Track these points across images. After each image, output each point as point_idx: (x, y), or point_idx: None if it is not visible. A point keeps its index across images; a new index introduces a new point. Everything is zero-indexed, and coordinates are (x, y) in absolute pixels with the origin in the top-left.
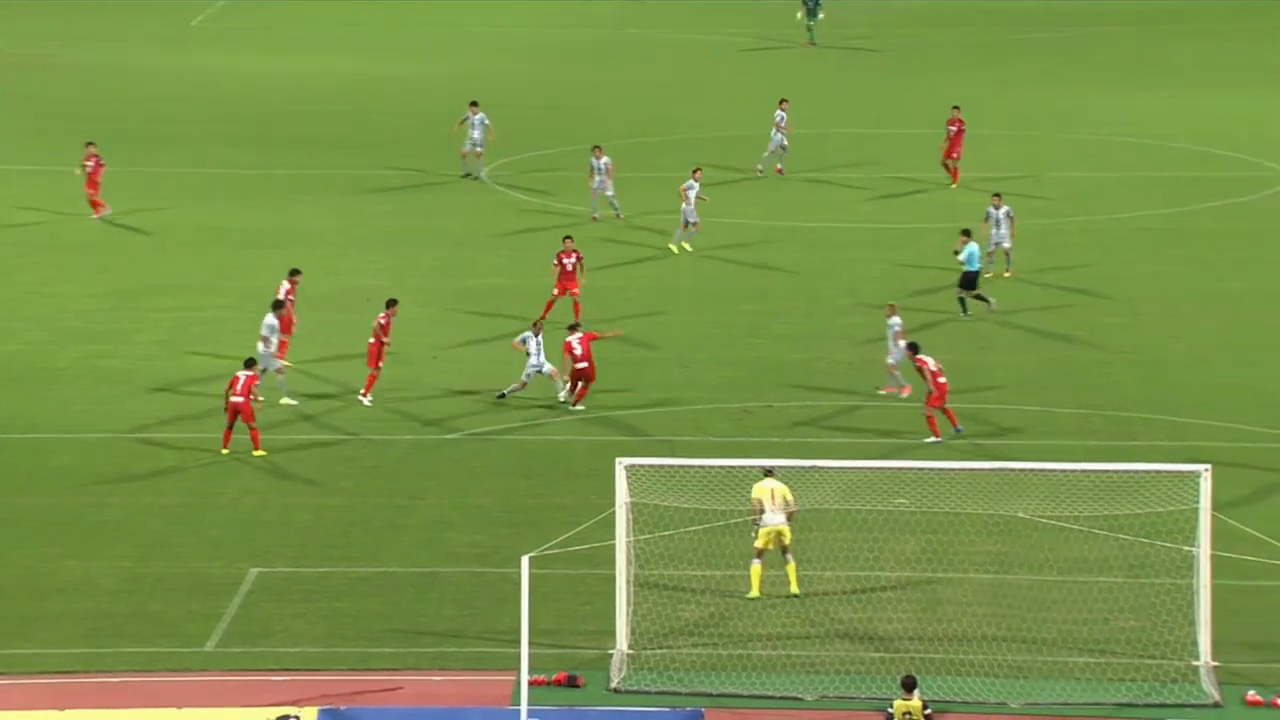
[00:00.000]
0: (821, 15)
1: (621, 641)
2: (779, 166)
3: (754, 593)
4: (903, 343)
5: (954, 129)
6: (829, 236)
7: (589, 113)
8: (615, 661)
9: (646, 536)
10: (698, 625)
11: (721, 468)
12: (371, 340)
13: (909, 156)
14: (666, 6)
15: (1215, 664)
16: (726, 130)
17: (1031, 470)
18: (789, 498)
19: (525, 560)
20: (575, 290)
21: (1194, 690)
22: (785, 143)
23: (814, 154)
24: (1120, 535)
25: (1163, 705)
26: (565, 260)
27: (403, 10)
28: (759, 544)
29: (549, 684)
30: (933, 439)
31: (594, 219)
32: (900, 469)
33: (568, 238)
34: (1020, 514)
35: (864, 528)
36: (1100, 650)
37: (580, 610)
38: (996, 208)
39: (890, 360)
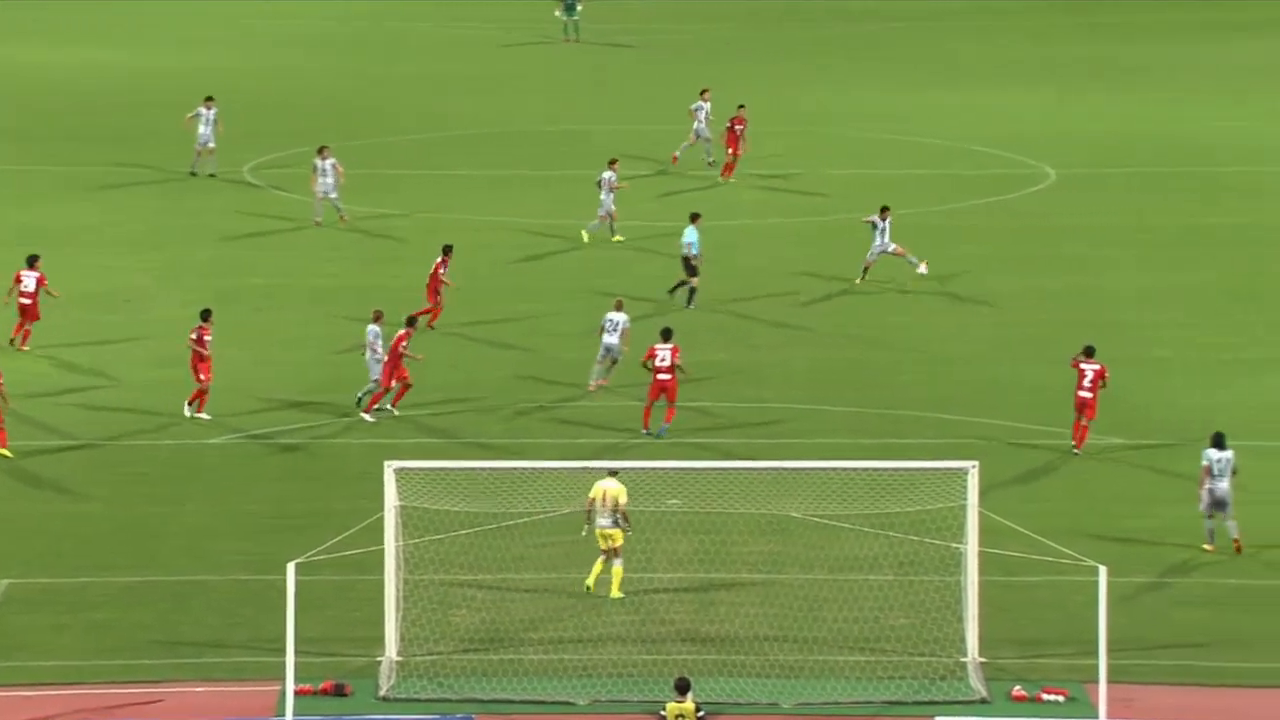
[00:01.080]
0: (580, 8)
1: (391, 648)
2: (676, 154)
3: (589, 581)
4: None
5: (740, 127)
6: (605, 235)
7: (357, 108)
8: (384, 669)
9: (416, 541)
10: (469, 631)
11: (492, 470)
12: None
13: (672, 152)
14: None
15: (982, 660)
16: (501, 125)
17: (804, 469)
18: (621, 501)
19: (292, 567)
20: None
21: (962, 687)
22: (709, 135)
23: (579, 151)
24: (891, 533)
25: (931, 702)
26: (441, 271)
27: (173, 4)
28: (599, 544)
29: (315, 693)
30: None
31: (316, 223)
32: (674, 469)
33: (448, 247)
34: (793, 513)
35: (636, 529)
36: (871, 648)
37: (349, 617)
38: (883, 217)
39: (612, 352)
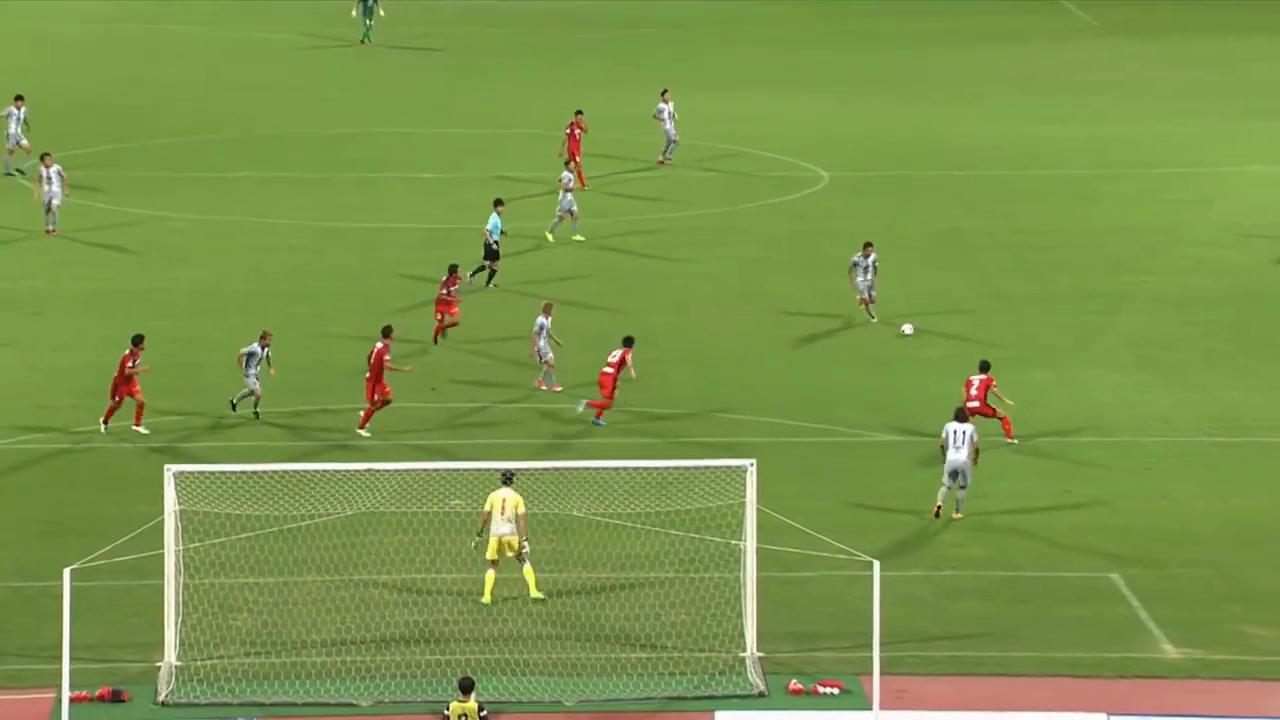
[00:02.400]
0: (381, 14)
1: (170, 653)
2: (663, 158)
3: (485, 598)
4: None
5: (579, 132)
6: (383, 237)
7: (128, 110)
8: (163, 674)
9: (196, 545)
10: (250, 634)
11: (273, 473)
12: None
13: (463, 156)
14: (213, 4)
15: (761, 655)
16: (280, 128)
17: (586, 468)
18: (520, 510)
19: (68, 573)
20: (455, 312)
21: (741, 681)
22: (676, 136)
23: (367, 154)
24: (672, 531)
25: (711, 697)
26: (452, 287)
27: None
28: (489, 554)
29: (92, 700)
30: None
31: (50, 231)
32: (456, 470)
33: (454, 266)
34: (575, 512)
35: (419, 529)
36: (652, 645)
37: (127, 623)
38: (866, 256)
39: (550, 357)
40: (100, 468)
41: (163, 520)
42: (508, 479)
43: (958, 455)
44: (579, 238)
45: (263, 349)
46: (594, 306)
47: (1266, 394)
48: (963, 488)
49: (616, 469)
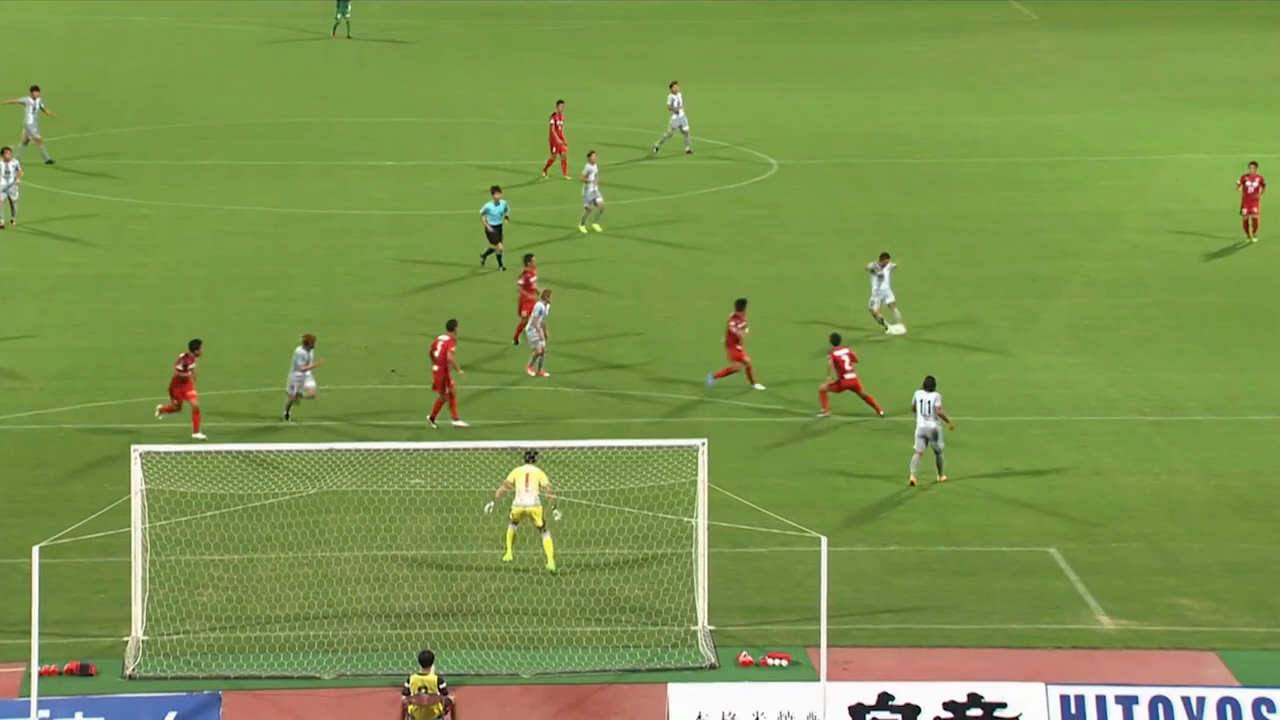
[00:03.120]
0: (350, 7)
1: (137, 628)
2: (687, 148)
3: (507, 555)
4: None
5: (560, 123)
6: (344, 223)
7: (95, 99)
8: (130, 648)
9: (163, 523)
10: (215, 609)
11: (236, 453)
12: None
13: (420, 145)
14: None
15: (712, 628)
16: (242, 118)
17: (543, 447)
18: (544, 483)
19: (36, 550)
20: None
21: (692, 654)
22: (686, 125)
23: (327, 143)
24: (625, 509)
25: (664, 669)
26: (531, 279)
27: None
28: (512, 515)
29: (61, 673)
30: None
31: (5, 225)
32: (416, 450)
33: (529, 256)
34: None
35: (380, 508)
36: (607, 619)
37: (94, 599)
38: (882, 264)
39: (542, 344)
40: (67, 448)
41: (129, 499)
42: (531, 457)
43: (927, 422)
44: (597, 228)
45: (308, 349)
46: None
47: (1196, 374)
48: (938, 451)
49: (571, 448)
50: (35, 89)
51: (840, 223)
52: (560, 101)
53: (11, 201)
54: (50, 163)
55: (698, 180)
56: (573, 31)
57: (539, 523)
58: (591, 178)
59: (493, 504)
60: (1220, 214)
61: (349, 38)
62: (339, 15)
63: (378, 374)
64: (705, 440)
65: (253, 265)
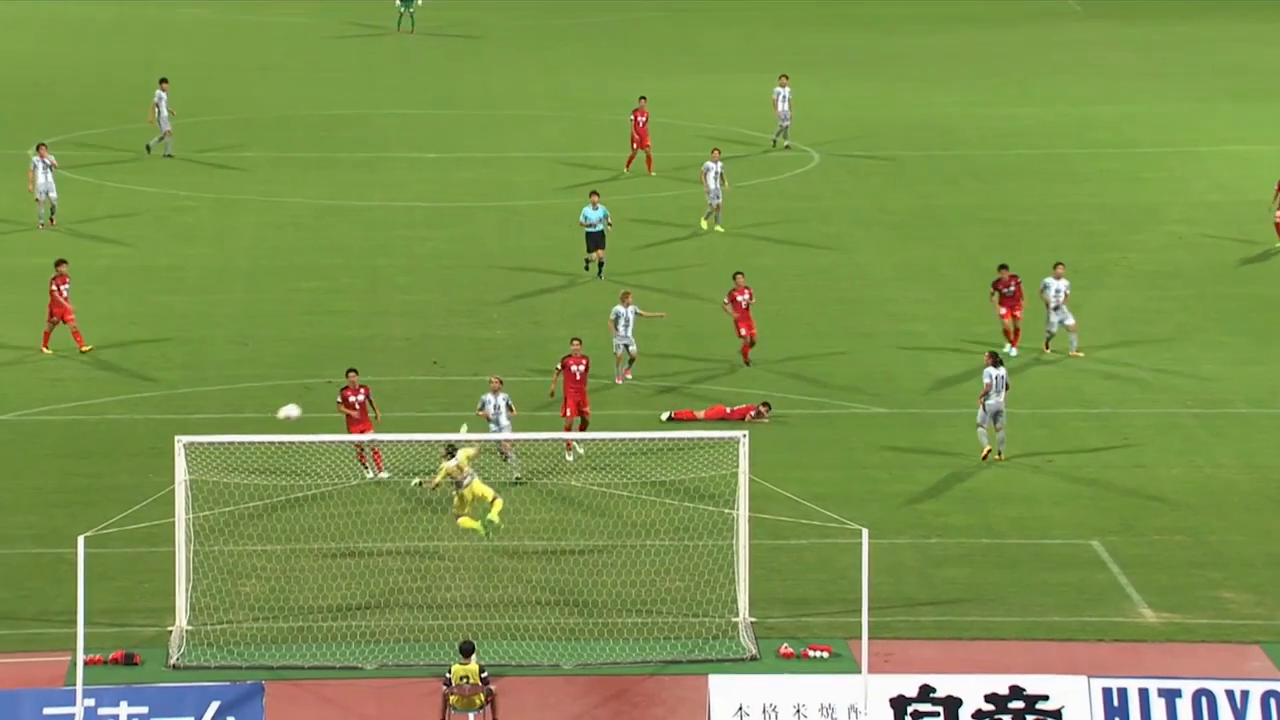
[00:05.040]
0: (419, 2)
1: (181, 618)
2: (786, 143)
3: (494, 517)
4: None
5: (642, 119)
6: (387, 215)
7: (138, 91)
8: (174, 638)
9: (207, 513)
10: (258, 599)
11: (281, 444)
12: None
13: (464, 138)
14: None
15: (753, 620)
16: (285, 110)
17: (586, 439)
18: (470, 455)
19: (81, 540)
20: (752, 332)
21: (733, 645)
22: (788, 120)
23: (369, 135)
24: (666, 500)
25: (705, 660)
26: (739, 298)
27: None
28: (457, 509)
29: (105, 663)
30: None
31: (42, 226)
32: (458, 440)
33: (739, 274)
34: (573, 482)
35: (422, 499)
36: (648, 610)
37: (139, 589)
38: (1058, 278)
39: (634, 349)
40: (112, 439)
41: (173, 489)
42: (451, 453)
43: (996, 399)
44: (719, 228)
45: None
46: (594, 280)
47: (1239, 367)
48: (1000, 429)
49: (614, 440)
50: (164, 81)
51: (882, 214)
52: (643, 98)
53: (51, 201)
54: (169, 157)
55: (739, 172)
56: (614, 24)
57: (488, 496)
58: (711, 175)
59: (421, 480)
60: (1264, 206)
61: (412, 32)
62: (402, 9)
63: (420, 365)
64: (746, 432)
65: (295, 257)
